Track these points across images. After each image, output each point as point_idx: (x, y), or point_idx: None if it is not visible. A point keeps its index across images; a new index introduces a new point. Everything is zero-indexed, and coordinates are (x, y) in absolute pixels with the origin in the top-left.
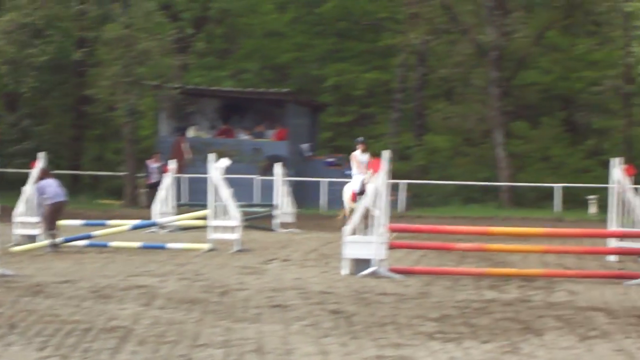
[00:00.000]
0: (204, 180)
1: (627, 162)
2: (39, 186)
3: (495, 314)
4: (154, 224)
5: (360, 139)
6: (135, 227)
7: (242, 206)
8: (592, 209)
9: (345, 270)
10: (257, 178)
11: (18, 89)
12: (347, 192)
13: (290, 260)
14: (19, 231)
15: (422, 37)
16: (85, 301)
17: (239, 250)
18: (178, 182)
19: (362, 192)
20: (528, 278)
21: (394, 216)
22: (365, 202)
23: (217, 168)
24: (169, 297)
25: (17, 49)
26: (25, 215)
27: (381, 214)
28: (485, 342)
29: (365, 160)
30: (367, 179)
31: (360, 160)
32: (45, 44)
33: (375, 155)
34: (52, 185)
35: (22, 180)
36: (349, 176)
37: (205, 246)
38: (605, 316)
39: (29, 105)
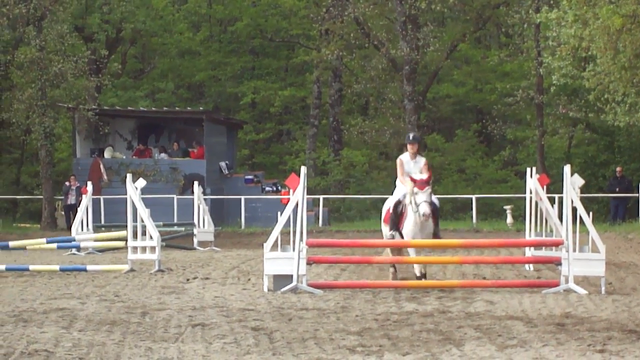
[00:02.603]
0: (122, 201)
1: (541, 171)
2: None
3: (415, 325)
4: (73, 240)
5: (412, 135)
6: (51, 241)
7: (161, 226)
8: (509, 219)
9: (266, 286)
10: (176, 197)
11: None
12: (385, 212)
13: (210, 278)
14: None
15: (336, 53)
16: (4, 325)
17: (159, 270)
18: (96, 203)
19: (399, 213)
20: (446, 289)
21: (314, 231)
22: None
23: (134, 188)
24: (90, 319)
25: None
26: None
27: (300, 230)
28: (405, 354)
29: (416, 167)
30: (411, 193)
31: (407, 168)
32: None
33: (293, 170)
34: None
35: None
36: (269, 192)
37: (125, 267)
38: (524, 325)
39: None
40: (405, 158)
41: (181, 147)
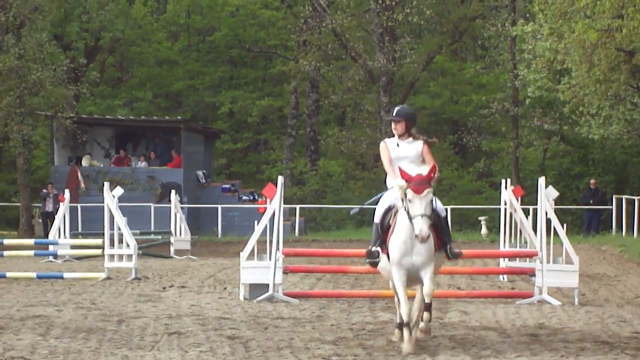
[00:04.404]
0: (99, 209)
1: (515, 183)
2: None
3: (390, 335)
4: (55, 243)
5: (397, 109)
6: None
7: (138, 234)
8: (483, 230)
9: (242, 295)
10: (153, 206)
11: None
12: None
13: (187, 287)
14: None
15: (314, 63)
16: None
17: (136, 278)
18: (73, 211)
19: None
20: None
21: (290, 240)
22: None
23: (111, 196)
24: (66, 327)
25: None
26: None
27: (277, 239)
28: None
29: (408, 154)
30: (403, 198)
31: (396, 156)
32: None
33: (270, 180)
34: None
35: None
36: (246, 202)
37: (102, 275)
38: (498, 335)
39: None
40: (392, 142)
41: (160, 155)
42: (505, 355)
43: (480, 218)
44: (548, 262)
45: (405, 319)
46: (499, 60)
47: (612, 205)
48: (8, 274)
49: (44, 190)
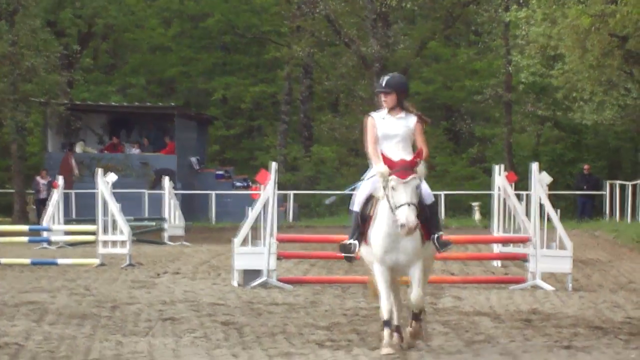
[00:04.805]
0: (93, 195)
1: (509, 168)
2: None
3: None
4: (49, 229)
5: (386, 79)
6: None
7: (131, 220)
8: (477, 216)
9: (235, 281)
10: (147, 192)
11: None
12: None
13: (180, 273)
14: None
15: (307, 49)
16: None
17: (129, 265)
18: (67, 197)
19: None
20: None
21: (284, 226)
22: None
23: (105, 183)
24: (60, 313)
25: None
26: None
27: (270, 225)
28: (374, 348)
29: (397, 131)
30: (385, 185)
31: (384, 133)
32: None
33: (263, 166)
34: None
35: None
36: (239, 188)
37: (95, 261)
38: (491, 320)
39: None
40: (379, 117)
41: (154, 142)
42: (498, 340)
43: (473, 204)
44: (541, 247)
45: (385, 316)
46: (492, 46)
47: (605, 190)
48: (2, 260)
49: (38, 178)
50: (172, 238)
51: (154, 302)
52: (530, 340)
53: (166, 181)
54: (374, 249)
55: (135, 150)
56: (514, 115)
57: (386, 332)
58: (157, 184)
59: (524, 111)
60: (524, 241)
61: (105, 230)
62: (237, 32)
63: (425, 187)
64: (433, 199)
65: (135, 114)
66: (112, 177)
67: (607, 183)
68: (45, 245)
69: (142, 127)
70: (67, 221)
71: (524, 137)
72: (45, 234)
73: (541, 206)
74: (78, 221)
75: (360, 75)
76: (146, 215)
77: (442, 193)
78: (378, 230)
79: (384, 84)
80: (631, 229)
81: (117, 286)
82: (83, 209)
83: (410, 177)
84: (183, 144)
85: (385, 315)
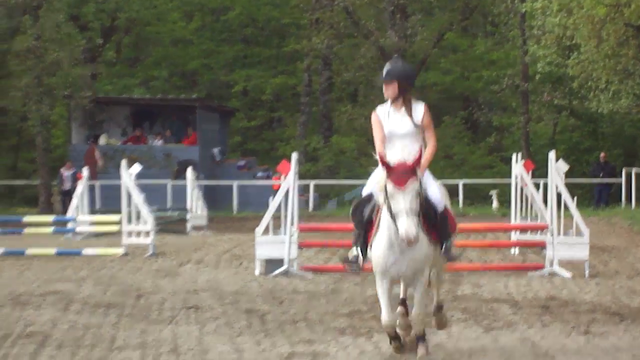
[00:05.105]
0: (117, 187)
1: (526, 157)
2: None
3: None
4: (72, 220)
5: (389, 68)
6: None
7: (155, 211)
8: (495, 204)
9: (257, 270)
10: (169, 183)
11: None
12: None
13: (203, 262)
14: None
15: (326, 41)
16: (2, 308)
17: (153, 254)
18: (91, 188)
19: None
20: None
21: (304, 216)
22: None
23: (129, 174)
24: (86, 302)
25: None
26: None
27: (291, 214)
28: None
29: (406, 127)
30: (384, 192)
31: (391, 130)
32: None
33: (284, 157)
34: None
35: None
36: (260, 178)
37: (120, 251)
38: (509, 307)
39: None
40: (384, 112)
41: (176, 133)
42: (516, 326)
43: (491, 192)
44: (559, 234)
45: (391, 333)
46: (508, 37)
47: (621, 178)
48: (28, 251)
49: (62, 170)
50: (195, 228)
51: (177, 290)
52: (548, 327)
53: (189, 172)
54: (374, 262)
55: (158, 142)
56: (530, 105)
57: (394, 344)
58: (180, 175)
59: (541, 100)
60: (541, 229)
61: (129, 221)
62: (257, 25)
63: (435, 193)
64: (444, 206)
65: (158, 106)
66: (137, 167)
67: (623, 171)
68: (70, 235)
69: (165, 119)
70: (92, 212)
71: (541, 126)
72: (70, 225)
73: (558, 194)
74: (102, 212)
75: (379, 66)
76: (169, 205)
77: (461, 182)
78: (379, 243)
79: (385, 74)
80: None
81: (141, 275)
82: (107, 200)
83: (410, 182)
84: (205, 135)
85: (389, 332)
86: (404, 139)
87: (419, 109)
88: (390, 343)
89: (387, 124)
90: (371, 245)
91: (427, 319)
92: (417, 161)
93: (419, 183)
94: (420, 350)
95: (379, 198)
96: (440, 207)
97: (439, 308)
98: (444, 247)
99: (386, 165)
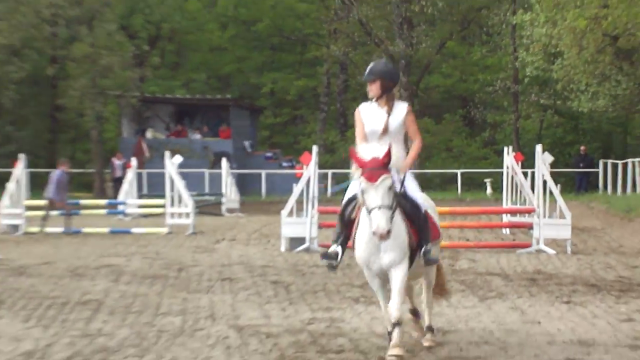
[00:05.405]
0: (161, 175)
1: (516, 150)
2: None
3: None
4: (123, 203)
5: (370, 67)
6: (109, 203)
7: (194, 195)
8: (489, 190)
9: (283, 247)
10: (207, 171)
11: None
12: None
13: (236, 240)
14: (5, 221)
15: (342, 49)
16: (62, 279)
17: (193, 233)
18: (139, 176)
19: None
20: None
21: (323, 200)
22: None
23: (172, 163)
24: (134, 274)
25: None
26: (10, 208)
27: (312, 199)
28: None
29: (382, 122)
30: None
31: (371, 128)
32: (22, 62)
33: (306, 149)
34: (56, 183)
35: (6, 178)
36: (285, 167)
37: (164, 230)
38: (501, 280)
39: (10, 114)
40: (366, 110)
41: (213, 128)
42: (507, 296)
43: (485, 180)
44: (544, 217)
45: (389, 328)
46: (501, 45)
47: (599, 168)
48: (84, 230)
49: (114, 159)
50: (229, 210)
51: (214, 264)
52: (535, 297)
53: (223, 162)
54: (357, 255)
55: (197, 136)
56: (520, 104)
57: (395, 335)
58: (216, 165)
59: (529, 100)
60: (529, 212)
61: (172, 204)
62: (283, 35)
63: (415, 195)
64: (426, 208)
65: (196, 105)
66: (178, 158)
67: (601, 162)
68: (120, 216)
69: (203, 116)
70: (140, 196)
71: (529, 123)
72: (121, 207)
73: (544, 182)
74: (149, 196)
75: None
76: (207, 190)
77: (459, 171)
78: (360, 236)
79: (367, 72)
80: (621, 201)
81: (183, 251)
82: (153, 186)
83: (381, 177)
84: (237, 130)
85: (389, 326)
86: (383, 136)
87: (401, 108)
88: (392, 333)
89: (369, 121)
90: (353, 242)
91: (400, 314)
92: (387, 156)
93: (390, 178)
94: (395, 336)
95: (360, 196)
96: (423, 207)
97: (429, 329)
98: (423, 251)
99: (360, 160)
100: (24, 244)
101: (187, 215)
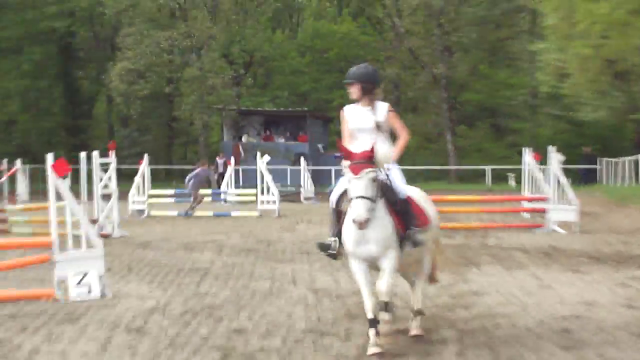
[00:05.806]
0: (254, 170)
1: (534, 151)
2: (190, 175)
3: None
4: (224, 192)
5: (352, 70)
6: (214, 192)
7: (279, 187)
8: (512, 182)
9: None
10: (289, 168)
11: (128, 112)
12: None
13: (312, 222)
14: (132, 207)
15: (395, 71)
16: (177, 251)
17: (278, 216)
18: (236, 171)
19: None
20: (470, 230)
21: None
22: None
23: (262, 162)
24: (233, 248)
25: (127, 86)
26: (137, 196)
27: None
28: (441, 271)
29: (370, 122)
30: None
31: (355, 125)
32: (146, 82)
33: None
34: (195, 177)
35: (133, 173)
36: None
37: (256, 214)
38: (522, 253)
39: (136, 123)
40: (351, 110)
41: (293, 134)
42: (527, 267)
43: (509, 174)
44: (556, 203)
45: (369, 315)
46: (522, 68)
47: (600, 165)
48: (194, 213)
49: (217, 159)
50: (306, 198)
51: (295, 241)
52: (549, 267)
53: (302, 160)
54: (344, 244)
55: (282, 140)
56: (537, 115)
57: (371, 332)
58: (296, 163)
59: (544, 112)
60: (544, 199)
61: (262, 193)
62: (348, 60)
63: (397, 183)
64: (406, 195)
65: (281, 116)
66: (267, 157)
67: (602, 160)
68: (222, 203)
69: (286, 124)
70: (237, 187)
71: (544, 129)
72: (222, 196)
73: (556, 176)
74: (244, 187)
75: (432, 88)
76: (289, 183)
77: (489, 167)
78: (348, 225)
79: (347, 76)
80: (618, 191)
81: (270, 230)
82: (247, 179)
83: (365, 171)
84: (313, 135)
85: (369, 314)
86: (367, 134)
87: (382, 107)
88: (368, 330)
89: (353, 121)
90: (341, 232)
91: (389, 292)
92: (371, 150)
93: (374, 172)
94: (383, 315)
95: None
96: (401, 194)
97: (419, 312)
98: (410, 233)
99: (348, 153)
100: (147, 225)
101: (274, 202)
